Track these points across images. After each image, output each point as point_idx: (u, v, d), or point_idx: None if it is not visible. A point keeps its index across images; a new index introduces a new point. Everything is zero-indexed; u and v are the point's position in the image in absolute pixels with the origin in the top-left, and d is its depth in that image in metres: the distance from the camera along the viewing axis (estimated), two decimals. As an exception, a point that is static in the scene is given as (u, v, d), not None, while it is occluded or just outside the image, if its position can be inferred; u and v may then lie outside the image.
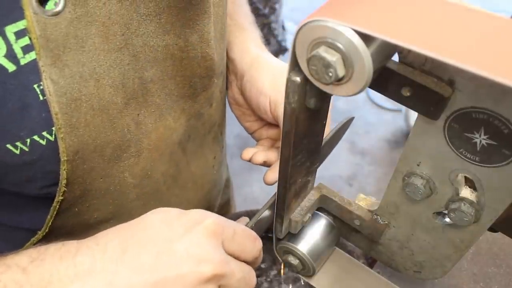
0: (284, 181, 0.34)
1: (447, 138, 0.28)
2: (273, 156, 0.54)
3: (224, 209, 0.84)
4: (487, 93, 0.24)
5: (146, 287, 0.32)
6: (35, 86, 0.35)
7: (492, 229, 0.33)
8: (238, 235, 0.37)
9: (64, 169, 0.39)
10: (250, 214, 0.79)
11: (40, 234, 0.45)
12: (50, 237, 0.46)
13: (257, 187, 1.76)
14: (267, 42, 2.12)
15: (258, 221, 0.42)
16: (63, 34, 0.35)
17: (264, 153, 0.54)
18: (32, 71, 0.35)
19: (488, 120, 0.25)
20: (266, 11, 1.99)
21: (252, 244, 0.38)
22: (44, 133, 0.37)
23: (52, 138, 0.38)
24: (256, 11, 1.95)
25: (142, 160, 0.47)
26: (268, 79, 0.52)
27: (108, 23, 0.37)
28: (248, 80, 0.54)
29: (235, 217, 0.80)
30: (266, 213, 0.43)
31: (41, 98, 0.36)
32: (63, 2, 0.34)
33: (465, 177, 0.30)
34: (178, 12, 0.41)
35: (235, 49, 0.57)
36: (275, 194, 0.43)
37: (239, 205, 0.96)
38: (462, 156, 0.28)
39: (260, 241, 0.39)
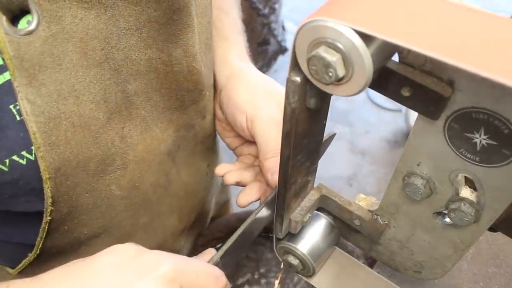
0: (284, 181, 0.34)
1: (447, 138, 0.28)
2: (248, 176, 0.52)
3: (223, 209, 0.84)
4: (487, 93, 0.24)
5: None
6: (11, 107, 0.34)
7: (492, 229, 0.33)
8: (199, 277, 0.35)
9: (48, 187, 0.38)
10: (250, 214, 0.80)
11: (31, 256, 0.45)
12: (42, 257, 0.45)
13: (257, 187, 1.76)
14: (267, 42, 2.13)
15: (225, 253, 0.40)
16: (38, 53, 0.33)
17: (238, 172, 0.52)
18: (7, 92, 0.33)
19: (488, 120, 0.25)
20: (266, 11, 1.99)
21: (215, 284, 0.36)
22: (24, 153, 0.36)
23: (32, 158, 0.37)
24: (256, 11, 1.95)
25: (129, 172, 0.46)
26: (245, 95, 0.50)
27: (86, 39, 0.36)
28: (226, 94, 0.52)
29: (235, 218, 0.80)
30: (242, 234, 0.41)
31: (18, 118, 0.35)
32: (36, 20, 0.32)
33: (465, 177, 0.30)
34: (160, 27, 0.40)
35: (215, 61, 0.55)
36: (251, 212, 0.42)
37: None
38: (462, 156, 0.28)
39: (224, 277, 0.38)
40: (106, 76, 0.39)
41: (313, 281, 0.46)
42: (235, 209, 0.91)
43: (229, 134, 0.57)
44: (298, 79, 0.25)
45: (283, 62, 2.30)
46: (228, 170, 0.52)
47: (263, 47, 2.13)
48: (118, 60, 0.39)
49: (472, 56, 0.18)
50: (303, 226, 0.42)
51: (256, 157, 0.54)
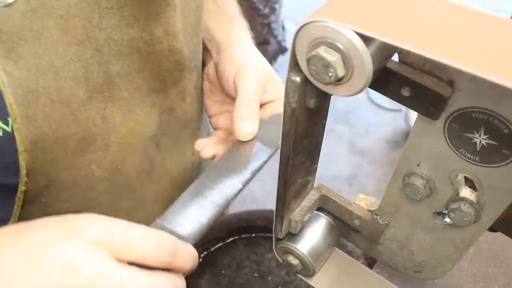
0: (284, 181, 0.34)
1: (447, 138, 0.28)
2: (222, 149, 0.53)
3: None
4: (487, 93, 0.24)
5: None
6: None
7: (492, 229, 0.33)
8: (133, 239, 0.32)
9: (23, 159, 0.38)
10: (250, 214, 0.80)
11: (10, 224, 0.45)
12: None
13: (257, 187, 1.76)
14: (267, 42, 2.13)
15: (170, 215, 0.37)
16: (17, 26, 0.34)
17: (213, 146, 0.53)
18: None
19: (488, 120, 0.25)
20: (266, 11, 1.99)
21: (155, 248, 0.32)
22: (0, 124, 0.37)
23: (8, 129, 0.37)
24: (256, 11, 1.95)
25: (111, 154, 0.46)
26: (243, 54, 0.52)
27: (66, 16, 0.36)
28: (228, 53, 0.54)
29: (235, 218, 0.80)
30: (181, 204, 0.38)
31: None
32: None
33: (465, 177, 0.30)
34: (141, 5, 0.41)
35: (222, 32, 0.57)
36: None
37: (238, 205, 0.95)
38: (462, 156, 0.28)
39: (169, 243, 0.33)
40: (87, 55, 0.39)
41: (312, 281, 0.46)
42: (231, 209, 0.91)
43: (213, 97, 0.58)
44: (298, 79, 0.25)
45: (283, 62, 2.30)
46: (206, 143, 0.53)
47: (263, 47, 2.12)
48: (100, 40, 0.40)
49: (472, 57, 0.18)
50: (303, 226, 0.42)
51: (230, 132, 0.55)
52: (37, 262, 0.30)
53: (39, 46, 0.36)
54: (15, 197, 0.42)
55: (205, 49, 0.58)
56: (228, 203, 0.44)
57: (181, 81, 0.51)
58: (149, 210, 0.57)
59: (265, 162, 0.47)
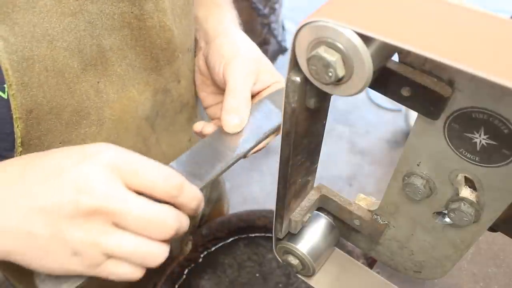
0: (284, 181, 0.34)
1: (447, 138, 0.28)
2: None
3: (216, 207, 0.84)
4: (487, 93, 0.24)
5: (32, 213, 0.31)
6: None
7: (492, 229, 0.33)
8: (144, 169, 0.34)
9: (18, 127, 0.39)
10: (250, 214, 0.80)
11: None
12: None
13: (257, 187, 1.76)
14: (267, 42, 2.12)
15: (181, 161, 0.39)
16: None
17: (214, 125, 0.53)
18: None
19: (488, 120, 0.25)
20: (266, 11, 1.99)
21: (164, 180, 0.34)
22: None
23: (4, 96, 0.38)
24: (256, 11, 1.95)
25: (105, 130, 0.47)
26: (231, 44, 0.52)
27: None
28: (216, 44, 0.54)
29: (236, 218, 0.80)
30: (193, 153, 0.40)
31: None
32: None
33: (465, 177, 0.30)
34: None
35: (209, 20, 0.57)
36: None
37: (239, 205, 0.96)
38: (462, 156, 0.28)
39: (177, 178, 0.35)
40: (80, 27, 0.40)
41: (312, 281, 0.46)
42: (231, 209, 0.91)
43: (207, 89, 0.58)
44: (298, 79, 0.25)
45: (283, 62, 2.30)
46: (205, 124, 0.53)
47: (263, 47, 2.12)
48: (92, 13, 0.41)
49: (472, 57, 0.18)
50: (303, 226, 0.42)
51: None
52: (53, 180, 0.32)
53: (34, 14, 0.37)
54: None
55: (195, 39, 0.59)
56: (238, 159, 0.46)
57: (174, 62, 0.51)
58: None
59: (279, 125, 0.47)
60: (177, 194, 0.35)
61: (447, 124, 0.27)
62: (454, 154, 0.28)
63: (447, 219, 0.34)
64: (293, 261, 0.44)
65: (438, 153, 0.29)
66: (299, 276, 0.47)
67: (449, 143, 0.28)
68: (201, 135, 0.53)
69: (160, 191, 0.34)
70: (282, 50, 2.25)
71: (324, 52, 0.22)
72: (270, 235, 0.77)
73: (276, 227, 0.40)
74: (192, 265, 0.75)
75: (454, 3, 0.22)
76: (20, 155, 0.41)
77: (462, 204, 0.30)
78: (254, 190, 1.78)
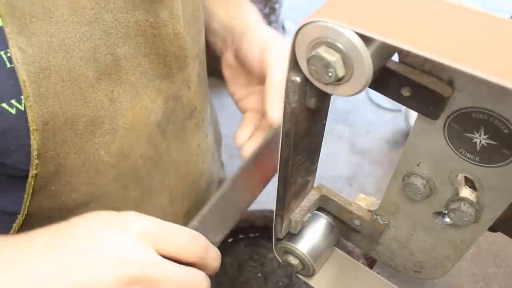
0: (284, 181, 0.34)
1: (447, 138, 0.28)
2: (254, 131, 0.55)
3: None
4: (487, 93, 0.24)
5: (65, 286, 0.31)
6: (2, 53, 0.36)
7: (492, 229, 0.33)
8: (173, 235, 0.35)
9: (34, 139, 0.39)
10: (250, 214, 0.80)
11: (20, 217, 0.45)
12: (31, 222, 0.46)
13: (257, 187, 1.76)
14: (267, 42, 2.12)
15: (204, 218, 0.40)
16: (29, 2, 0.35)
17: (253, 142, 0.54)
18: None
19: (488, 120, 0.25)
20: (266, 11, 1.99)
21: (192, 243, 0.36)
22: (13, 102, 0.37)
23: (21, 107, 0.38)
24: (256, 11, 1.94)
25: (118, 138, 0.47)
26: (263, 34, 0.54)
27: None
28: (249, 36, 0.55)
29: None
30: (214, 208, 0.41)
31: (8, 65, 0.36)
32: None
33: (465, 177, 0.30)
34: None
35: (235, 17, 0.58)
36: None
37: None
38: (462, 156, 0.28)
39: (203, 240, 0.37)
40: (96, 35, 0.40)
41: (312, 281, 0.46)
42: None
43: (237, 81, 0.59)
44: (298, 79, 0.25)
45: (283, 62, 2.30)
46: (244, 136, 0.54)
47: (263, 47, 2.12)
48: (107, 22, 0.41)
49: (472, 57, 0.18)
50: (303, 226, 0.42)
51: (259, 112, 0.56)
52: (90, 255, 0.32)
53: (51, 24, 0.37)
54: (25, 186, 0.42)
55: (219, 38, 0.59)
56: (250, 205, 0.47)
57: (186, 68, 0.51)
58: (155, 201, 0.58)
59: None
60: (204, 255, 0.37)
61: (447, 124, 0.27)
62: (454, 154, 0.28)
63: (447, 219, 0.34)
64: (293, 261, 0.44)
65: (438, 153, 0.29)
66: (299, 276, 0.47)
67: (449, 143, 0.28)
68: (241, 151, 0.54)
69: (189, 253, 0.36)
70: (282, 50, 2.24)
71: (324, 52, 0.22)
72: (270, 235, 0.77)
73: (276, 227, 0.40)
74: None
75: (453, 3, 0.22)
76: (35, 168, 0.41)
77: (462, 204, 0.30)
78: (254, 190, 1.77)
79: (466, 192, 0.30)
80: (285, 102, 0.27)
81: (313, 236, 0.43)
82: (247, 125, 0.56)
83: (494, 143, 0.25)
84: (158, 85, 0.49)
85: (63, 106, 0.40)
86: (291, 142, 0.30)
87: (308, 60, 0.23)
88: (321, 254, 0.44)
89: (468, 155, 0.27)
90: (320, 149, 0.36)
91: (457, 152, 0.28)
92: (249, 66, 0.54)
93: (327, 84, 0.24)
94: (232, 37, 0.58)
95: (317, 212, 0.44)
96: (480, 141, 0.26)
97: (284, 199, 0.36)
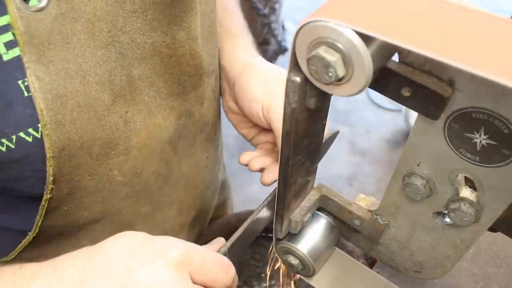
0: (284, 181, 0.34)
1: (447, 138, 0.28)
2: (269, 161, 0.54)
3: (220, 210, 0.84)
4: (487, 93, 0.24)
5: None
6: (20, 82, 0.35)
7: (492, 229, 0.33)
8: (208, 263, 0.36)
9: (51, 166, 0.39)
10: (250, 214, 0.79)
11: (30, 235, 0.45)
12: (41, 238, 0.46)
13: (256, 187, 1.76)
14: (267, 42, 2.12)
15: (233, 244, 0.41)
16: (48, 30, 0.34)
17: (261, 159, 0.54)
18: (16, 67, 0.34)
19: (488, 120, 0.25)
20: (266, 11, 1.99)
21: (224, 273, 0.37)
22: (30, 130, 0.37)
23: (38, 135, 0.37)
24: (256, 11, 1.95)
25: (131, 158, 0.46)
26: (259, 86, 0.52)
27: (93, 20, 0.37)
28: (240, 88, 0.54)
29: (236, 218, 0.80)
30: (246, 229, 0.42)
31: (25, 94, 0.36)
32: None
33: (465, 177, 0.30)
34: (164, 9, 0.41)
35: (225, 57, 0.57)
36: (252, 212, 0.43)
37: (239, 205, 0.95)
38: (462, 156, 0.28)
39: (233, 268, 0.38)
40: (112, 58, 0.40)
41: (313, 281, 0.46)
42: (234, 209, 0.91)
43: (245, 125, 0.58)
44: (298, 79, 0.25)
45: (283, 62, 2.30)
46: (252, 157, 0.54)
47: (263, 47, 2.12)
48: (123, 43, 0.40)
49: (472, 56, 0.18)
50: (303, 226, 0.42)
51: (274, 143, 0.56)
52: (127, 285, 0.32)
53: (68, 50, 0.36)
54: (38, 207, 0.42)
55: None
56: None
57: (200, 86, 0.51)
58: (165, 214, 0.57)
59: None
60: (232, 284, 0.38)
61: (447, 124, 0.27)
62: (454, 154, 0.28)
63: (447, 219, 0.34)
64: (293, 261, 0.44)
65: (438, 153, 0.29)
66: (300, 276, 0.47)
67: (449, 143, 0.28)
68: (248, 167, 0.54)
69: (220, 283, 0.36)
70: (282, 50, 2.25)
71: (324, 52, 0.22)
72: (270, 235, 0.77)
73: (276, 227, 0.40)
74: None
75: (454, 3, 0.22)
76: (50, 192, 0.41)
77: (462, 204, 0.30)
78: (254, 190, 1.78)
79: (466, 192, 0.30)
80: (285, 102, 0.27)
81: (313, 236, 0.43)
82: (258, 151, 0.56)
83: (494, 143, 0.25)
84: (171, 103, 0.48)
85: (79, 131, 0.39)
86: (291, 142, 0.30)
87: (308, 60, 0.23)
88: (321, 254, 0.44)
89: (468, 155, 0.27)
90: (320, 149, 0.36)
91: (457, 152, 0.28)
92: (252, 118, 0.53)
93: (327, 84, 0.24)
94: (225, 82, 0.57)
95: (317, 212, 0.44)
96: (480, 141, 0.26)
97: (284, 199, 0.36)
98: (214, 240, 0.44)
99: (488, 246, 0.54)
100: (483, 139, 0.26)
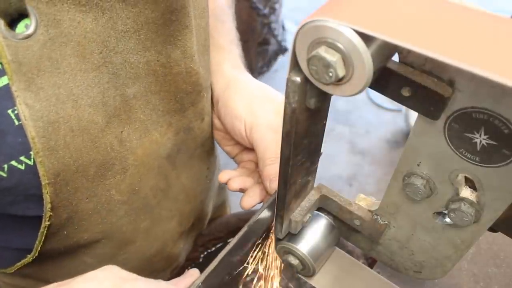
0: (284, 181, 0.34)
1: (447, 138, 0.28)
2: (250, 182, 0.52)
3: (219, 211, 0.84)
4: (487, 93, 0.24)
5: None
6: (9, 111, 0.34)
7: (492, 229, 0.33)
8: None
9: (47, 193, 0.38)
10: (250, 214, 0.80)
11: (29, 257, 0.45)
12: (41, 259, 0.45)
13: (257, 187, 1.76)
14: (267, 42, 2.13)
15: (208, 276, 0.40)
16: (36, 56, 0.33)
17: (241, 179, 0.52)
18: (5, 96, 0.33)
19: (488, 120, 0.25)
20: (266, 11, 1.99)
21: None
22: (22, 158, 0.36)
23: (31, 163, 0.36)
24: (256, 11, 1.95)
25: (129, 176, 0.45)
26: (242, 103, 0.50)
27: (84, 42, 0.36)
28: (223, 104, 0.52)
29: (235, 218, 0.80)
30: (222, 260, 0.41)
31: (16, 123, 0.35)
32: (34, 24, 0.32)
33: (465, 177, 0.30)
34: (158, 29, 0.40)
35: (214, 73, 0.55)
36: (251, 212, 0.42)
37: (237, 205, 0.96)
38: (462, 156, 0.28)
39: None
40: (104, 79, 0.39)
41: (313, 281, 0.46)
42: (232, 209, 0.91)
43: (229, 143, 0.57)
44: (298, 79, 0.25)
45: (283, 62, 2.30)
46: (231, 176, 0.52)
47: (263, 47, 2.12)
48: (116, 64, 0.39)
49: (472, 56, 0.18)
50: (303, 226, 0.42)
51: (257, 163, 0.54)
52: None
53: (58, 76, 0.35)
54: (36, 226, 0.41)
55: None
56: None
57: (199, 102, 0.49)
58: (165, 228, 0.57)
59: None
60: None
61: (447, 124, 0.27)
62: (454, 154, 0.28)
63: (447, 219, 0.34)
64: (294, 261, 0.43)
65: (438, 153, 0.29)
66: (300, 276, 0.47)
67: (449, 143, 0.28)
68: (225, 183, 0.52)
69: None
70: (282, 50, 2.25)
71: (324, 52, 0.22)
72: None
73: (276, 227, 0.40)
74: (192, 265, 0.75)
75: (454, 2, 0.22)
76: (49, 219, 0.40)
77: (462, 204, 0.30)
78: (254, 190, 1.77)
79: (466, 192, 0.30)
80: (285, 102, 0.27)
81: (313, 236, 0.43)
82: (238, 170, 0.54)
83: (494, 143, 0.25)
84: (168, 120, 0.47)
85: (73, 156, 0.39)
86: (291, 142, 0.30)
87: (309, 60, 0.23)
88: (321, 254, 0.44)
89: (468, 155, 0.27)
90: (320, 149, 0.36)
91: (457, 152, 0.28)
92: (238, 140, 0.52)
93: (327, 84, 0.24)
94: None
95: (317, 212, 0.44)
96: (480, 141, 0.26)
97: (284, 199, 0.36)
98: (188, 273, 0.43)
99: (488, 246, 0.54)
100: (483, 139, 0.26)
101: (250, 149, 0.54)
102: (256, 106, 0.50)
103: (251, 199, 0.50)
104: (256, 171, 0.54)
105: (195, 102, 0.49)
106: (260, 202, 0.51)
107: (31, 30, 0.32)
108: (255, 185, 0.51)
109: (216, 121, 0.56)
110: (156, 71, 0.43)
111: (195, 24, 0.45)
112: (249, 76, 0.55)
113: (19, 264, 0.47)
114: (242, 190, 0.52)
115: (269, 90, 0.52)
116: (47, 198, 0.38)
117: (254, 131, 0.48)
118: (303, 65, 0.24)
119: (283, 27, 2.25)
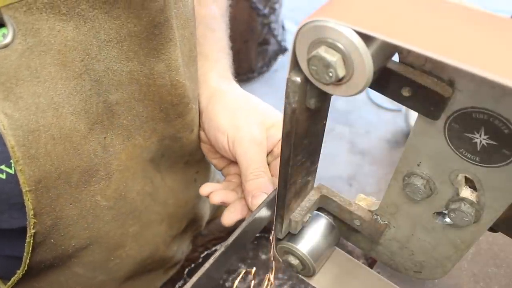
0: (284, 181, 0.34)
1: (447, 138, 0.28)
2: (232, 196, 0.51)
3: (219, 210, 0.84)
4: (487, 93, 0.24)
5: None
6: None
7: (492, 229, 0.33)
8: None
9: (28, 200, 0.37)
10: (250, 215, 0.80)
11: (19, 273, 0.44)
12: (32, 272, 0.45)
13: (257, 187, 1.76)
14: (267, 42, 2.13)
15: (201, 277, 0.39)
16: (15, 66, 0.33)
17: (223, 193, 0.51)
18: None
19: (488, 120, 0.25)
20: (266, 11, 1.99)
21: None
22: (3, 167, 0.36)
23: (12, 171, 0.36)
24: (256, 11, 1.95)
25: (114, 182, 0.45)
26: (226, 115, 0.49)
27: (64, 50, 0.35)
28: (206, 117, 0.51)
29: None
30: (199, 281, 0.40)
31: None
32: (11, 33, 0.32)
33: (466, 177, 0.30)
34: (141, 41, 0.40)
35: (200, 85, 0.54)
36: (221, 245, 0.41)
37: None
38: (462, 156, 0.28)
39: None
40: (86, 87, 0.38)
41: (313, 281, 0.46)
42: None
43: (215, 156, 0.56)
44: (298, 79, 0.25)
45: (283, 62, 2.30)
46: (214, 189, 0.51)
47: (263, 47, 2.13)
48: (99, 71, 0.39)
49: (472, 56, 0.18)
50: (303, 226, 0.42)
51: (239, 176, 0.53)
52: None
53: (38, 85, 0.35)
54: (24, 239, 0.41)
55: None
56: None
57: (188, 114, 0.48)
58: (155, 231, 0.56)
59: None
60: None
61: (447, 124, 0.27)
62: (454, 154, 0.28)
63: (448, 219, 0.34)
64: (294, 261, 0.43)
65: (439, 153, 0.29)
66: (300, 276, 0.47)
67: (449, 143, 0.28)
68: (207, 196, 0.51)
69: None
70: (282, 50, 2.25)
71: (324, 52, 0.22)
72: (270, 235, 0.77)
73: (276, 227, 0.40)
74: (192, 265, 0.75)
75: (454, 2, 0.22)
76: (33, 226, 0.39)
77: (463, 204, 0.30)
78: (254, 190, 1.77)
79: (466, 192, 0.30)
80: (285, 103, 0.27)
81: (313, 236, 0.43)
82: (223, 184, 0.53)
83: (494, 143, 0.25)
84: (152, 126, 0.46)
85: (55, 163, 0.38)
86: (291, 142, 0.30)
87: (309, 61, 0.23)
88: (321, 254, 0.44)
89: (469, 155, 0.27)
90: (320, 149, 0.36)
91: (457, 152, 0.28)
92: (219, 150, 0.51)
93: (327, 84, 0.24)
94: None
95: (317, 212, 0.44)
96: (481, 141, 0.26)
97: (284, 199, 0.36)
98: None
99: (488, 246, 0.54)
100: (483, 139, 0.26)
101: (235, 164, 0.53)
102: (239, 118, 0.49)
103: (232, 215, 0.49)
104: (236, 188, 0.53)
105: (183, 114, 0.48)
106: (242, 219, 0.50)
107: (8, 39, 0.32)
108: (238, 200, 0.50)
109: (202, 133, 0.55)
110: (139, 81, 0.42)
111: (178, 35, 0.44)
112: (234, 85, 0.54)
113: (10, 284, 0.46)
114: (224, 204, 0.51)
115: (253, 102, 0.51)
116: (29, 205, 0.38)
117: (236, 145, 0.47)
118: (303, 65, 0.24)
119: (283, 27, 2.26)
